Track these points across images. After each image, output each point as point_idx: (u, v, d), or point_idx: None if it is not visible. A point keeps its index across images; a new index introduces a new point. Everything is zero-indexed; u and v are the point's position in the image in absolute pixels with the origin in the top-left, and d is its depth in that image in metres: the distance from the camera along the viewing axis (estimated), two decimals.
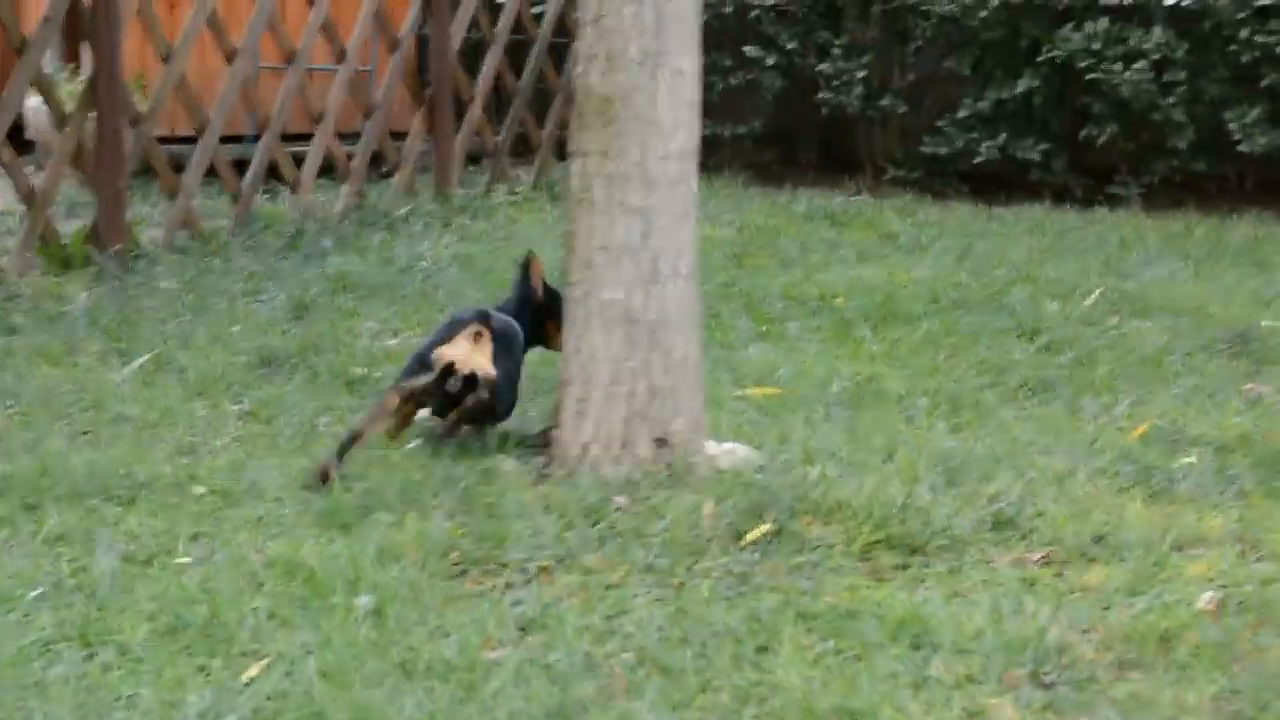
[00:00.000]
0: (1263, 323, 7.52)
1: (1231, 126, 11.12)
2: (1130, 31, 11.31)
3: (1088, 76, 11.31)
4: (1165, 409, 6.20)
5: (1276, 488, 5.34)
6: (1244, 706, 3.88)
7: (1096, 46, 11.29)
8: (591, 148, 5.39)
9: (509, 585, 4.48)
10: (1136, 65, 11.18)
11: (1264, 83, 11.11)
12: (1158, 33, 11.25)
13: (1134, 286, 8.26)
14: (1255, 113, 11.09)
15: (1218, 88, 11.24)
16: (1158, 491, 5.29)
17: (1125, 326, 7.51)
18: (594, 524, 4.82)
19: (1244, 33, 11.06)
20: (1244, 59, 11.12)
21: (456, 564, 4.59)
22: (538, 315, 5.97)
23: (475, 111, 10.93)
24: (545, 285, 6.01)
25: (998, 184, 11.55)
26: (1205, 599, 4.40)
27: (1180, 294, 8.10)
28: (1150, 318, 7.69)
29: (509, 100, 11.38)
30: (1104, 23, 11.34)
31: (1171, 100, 11.21)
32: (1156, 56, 11.21)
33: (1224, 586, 4.49)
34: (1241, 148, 11.10)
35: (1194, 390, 6.52)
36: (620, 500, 4.98)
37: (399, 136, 10.62)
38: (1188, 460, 5.55)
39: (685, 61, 5.40)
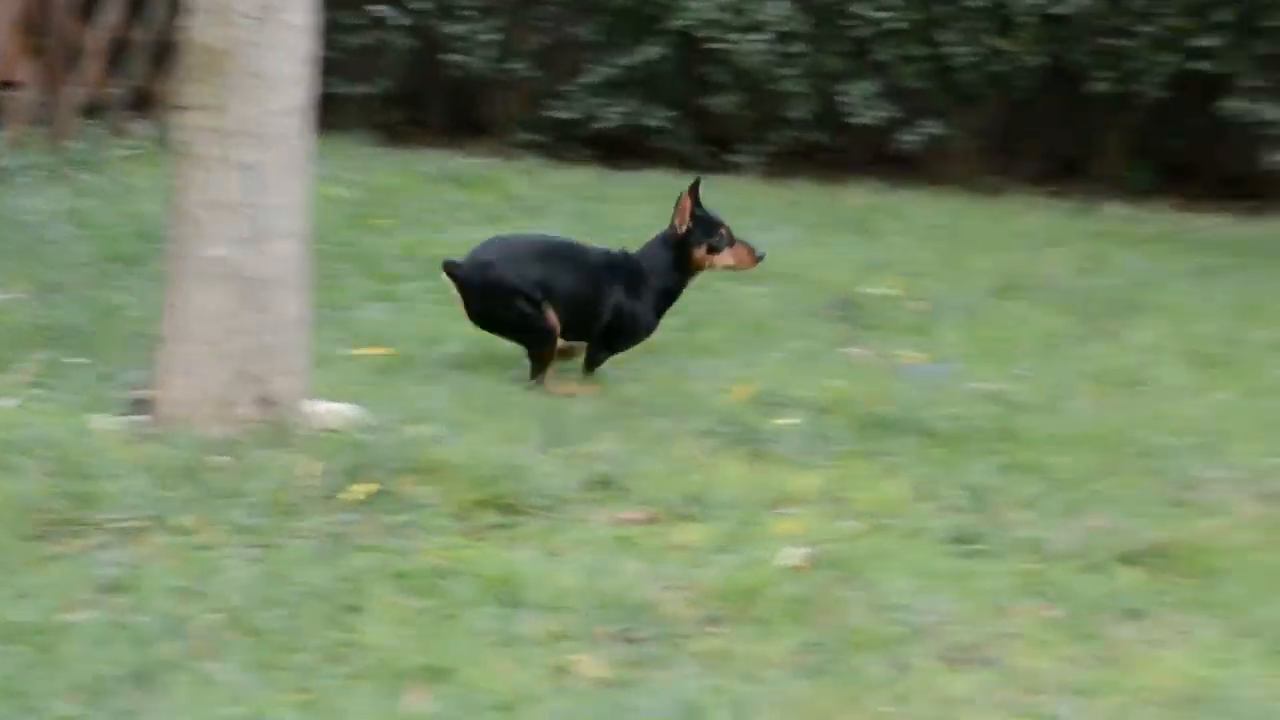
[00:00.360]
0: (864, 289, 7.78)
1: (846, 100, 11.44)
2: (753, 3, 11.53)
3: (710, 46, 11.51)
4: (770, 372, 6.37)
5: (869, 448, 5.54)
6: (823, 658, 4.02)
7: (720, 17, 11.49)
8: (199, 101, 5.26)
9: (98, 546, 4.37)
10: (758, 36, 11.41)
11: (876, 58, 11.45)
12: (780, 6, 11.50)
13: None
14: (868, 87, 11.43)
15: (835, 61, 11.54)
16: (757, 452, 5.43)
17: (737, 291, 7.67)
18: (190, 484, 4.73)
19: (860, 9, 11.38)
20: (859, 35, 11.44)
21: (44, 525, 4.46)
22: (682, 248, 6.29)
23: (92, 63, 10.60)
24: (695, 213, 6.33)
25: (623, 150, 11.67)
26: (793, 556, 4.54)
27: (792, 260, 8.29)
28: (763, 283, 7.86)
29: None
30: None
31: (791, 72, 11.47)
32: (780, 29, 11.46)
33: (812, 544, 4.63)
34: (855, 120, 11.42)
35: (798, 354, 6.72)
36: (219, 460, 4.88)
37: (11, 87, 10.23)
38: (788, 421, 5.72)
39: (299, 16, 5.31)
